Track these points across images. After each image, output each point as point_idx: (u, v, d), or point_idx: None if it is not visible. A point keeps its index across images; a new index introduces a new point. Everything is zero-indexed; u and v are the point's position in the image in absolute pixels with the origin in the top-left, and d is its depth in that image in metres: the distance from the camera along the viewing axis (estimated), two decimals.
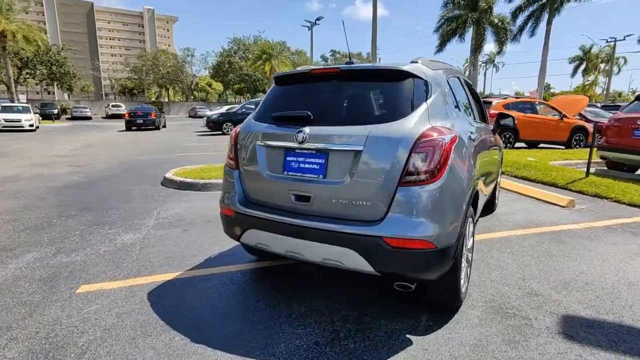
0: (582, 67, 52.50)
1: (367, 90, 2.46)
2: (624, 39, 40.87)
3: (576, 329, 2.31)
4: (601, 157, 7.61)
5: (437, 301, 2.49)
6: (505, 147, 10.73)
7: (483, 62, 59.47)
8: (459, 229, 2.20)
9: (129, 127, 21.52)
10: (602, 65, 52.50)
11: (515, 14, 28.39)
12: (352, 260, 2.14)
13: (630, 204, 5.21)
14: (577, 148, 11.46)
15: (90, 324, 2.33)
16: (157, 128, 22.41)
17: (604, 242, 3.78)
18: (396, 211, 2.06)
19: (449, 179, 2.10)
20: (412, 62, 2.49)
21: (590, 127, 11.12)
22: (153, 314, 2.45)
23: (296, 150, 2.36)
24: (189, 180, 6.05)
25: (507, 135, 10.78)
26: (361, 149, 2.14)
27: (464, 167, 2.32)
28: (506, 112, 10.23)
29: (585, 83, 56.01)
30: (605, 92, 47.18)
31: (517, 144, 11.49)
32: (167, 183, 6.27)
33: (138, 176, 7.21)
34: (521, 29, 28.54)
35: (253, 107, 18.93)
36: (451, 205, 2.16)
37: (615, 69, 51.75)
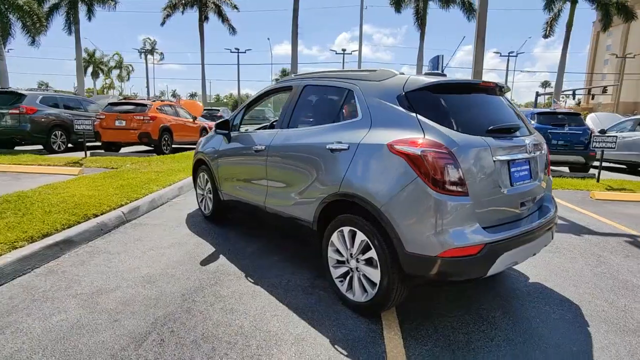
0: (90, 69, 54.78)
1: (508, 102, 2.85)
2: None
3: None
4: None
5: None
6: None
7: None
8: None
9: None
10: (116, 71, 57.92)
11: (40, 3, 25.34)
12: (554, 234, 2.74)
13: None
14: None
15: None
16: None
17: None
18: (549, 189, 2.92)
19: None
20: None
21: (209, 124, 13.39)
22: None
23: (516, 161, 2.44)
24: None
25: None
26: (545, 152, 2.73)
27: None
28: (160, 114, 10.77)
29: (104, 85, 59.46)
30: (122, 93, 53.53)
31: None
32: None
33: None
34: (47, 19, 26.01)
35: None
36: None
37: (125, 75, 59.56)
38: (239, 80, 36.04)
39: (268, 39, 73.36)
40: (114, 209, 4.41)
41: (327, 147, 2.69)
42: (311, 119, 3.15)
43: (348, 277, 2.61)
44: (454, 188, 2.14)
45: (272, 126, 4.23)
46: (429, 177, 2.13)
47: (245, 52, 34.54)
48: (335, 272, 2.71)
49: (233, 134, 4.00)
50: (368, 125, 2.52)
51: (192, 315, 2.50)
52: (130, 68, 60.51)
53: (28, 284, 2.85)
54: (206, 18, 28.89)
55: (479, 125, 2.40)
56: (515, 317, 2.58)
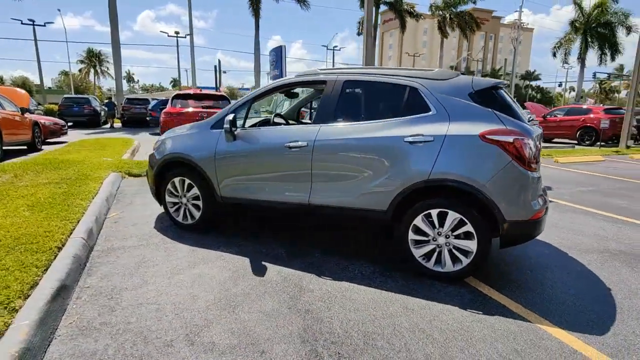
0: None
1: None
2: None
3: None
4: None
5: None
6: None
7: None
8: None
9: None
10: None
11: None
12: None
13: None
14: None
15: None
16: None
17: None
18: None
19: None
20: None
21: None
22: None
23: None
24: None
25: None
26: None
27: None
28: None
29: None
30: None
31: None
32: None
33: None
34: None
35: None
36: None
37: None
38: (39, 61, 27.83)
39: (59, 10, 58.65)
40: (68, 236, 3.33)
41: (405, 140, 2.92)
42: (366, 114, 3.25)
43: (435, 253, 2.97)
44: (534, 165, 2.79)
45: (274, 122, 4.00)
46: (519, 158, 2.71)
47: (44, 25, 26.84)
48: (418, 252, 3.02)
49: (238, 131, 3.61)
50: (446, 119, 2.89)
51: (327, 323, 2.40)
52: None
53: (78, 352, 2.06)
54: None
55: (522, 116, 3.11)
56: (533, 258, 3.51)
